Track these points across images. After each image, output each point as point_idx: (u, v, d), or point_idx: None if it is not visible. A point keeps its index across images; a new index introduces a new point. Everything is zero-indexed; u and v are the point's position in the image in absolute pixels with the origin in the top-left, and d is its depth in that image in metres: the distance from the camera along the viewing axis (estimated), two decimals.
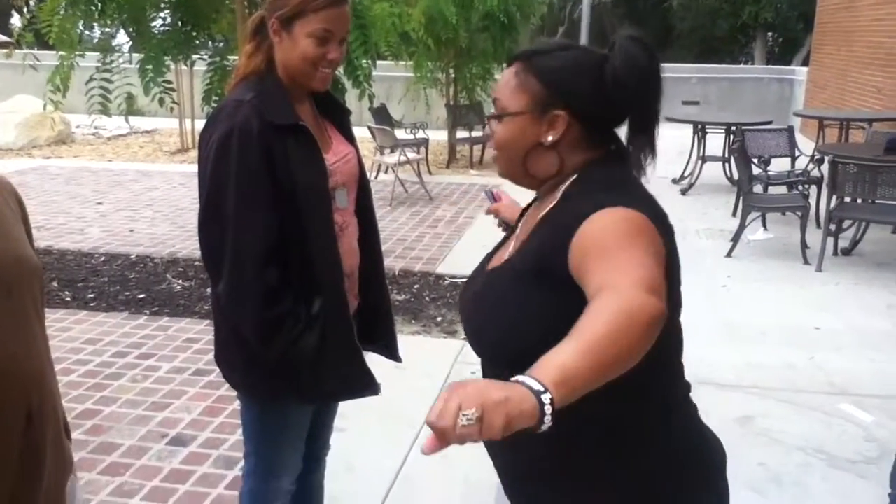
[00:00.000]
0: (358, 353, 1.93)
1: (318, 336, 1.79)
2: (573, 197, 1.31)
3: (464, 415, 0.86)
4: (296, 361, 1.79)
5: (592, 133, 1.33)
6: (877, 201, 5.98)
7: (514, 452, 1.37)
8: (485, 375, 1.40)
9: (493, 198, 1.94)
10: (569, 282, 1.18)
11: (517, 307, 1.28)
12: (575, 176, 1.34)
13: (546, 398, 0.90)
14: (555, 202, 1.34)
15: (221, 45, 5.58)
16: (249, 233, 1.70)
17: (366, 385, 1.95)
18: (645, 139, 1.32)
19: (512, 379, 0.92)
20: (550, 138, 1.31)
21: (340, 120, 1.99)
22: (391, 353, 2.16)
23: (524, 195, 1.52)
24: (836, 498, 2.95)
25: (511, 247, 1.41)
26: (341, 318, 1.87)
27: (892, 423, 3.48)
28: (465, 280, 1.56)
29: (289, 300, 1.76)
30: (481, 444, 1.07)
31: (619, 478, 1.28)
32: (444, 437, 0.87)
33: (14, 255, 1.21)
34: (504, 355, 1.32)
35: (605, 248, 1.14)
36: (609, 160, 1.35)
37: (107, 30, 6.05)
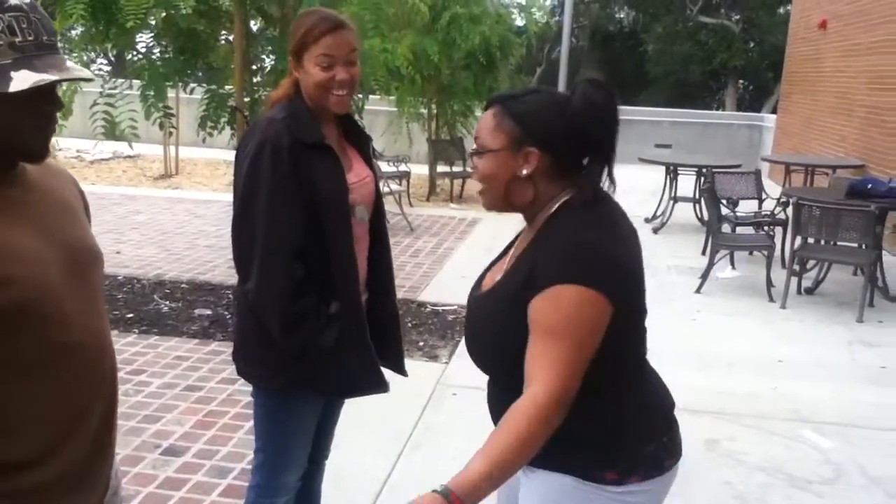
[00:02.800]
0: (370, 353, 2.10)
1: (335, 334, 1.97)
2: (551, 236, 1.53)
3: None
4: (313, 357, 1.97)
5: (562, 164, 1.55)
6: (839, 243, 6.28)
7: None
8: (488, 384, 1.70)
9: None
10: (526, 316, 1.49)
11: (501, 326, 1.56)
12: (553, 210, 1.55)
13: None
14: (534, 233, 1.58)
15: (217, 71, 5.77)
16: (277, 231, 1.90)
17: (377, 383, 2.11)
18: (601, 168, 1.55)
19: (435, 489, 1.32)
20: (525, 171, 1.54)
21: (362, 145, 2.20)
22: (398, 366, 2.30)
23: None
24: None
25: (503, 268, 1.64)
26: (356, 319, 2.05)
27: (849, 448, 3.71)
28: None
29: (311, 298, 1.95)
30: (464, 454, 1.44)
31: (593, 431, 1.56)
32: None
33: (84, 242, 1.37)
34: (496, 367, 1.64)
35: (547, 330, 1.45)
36: (580, 198, 1.55)
37: (89, 55, 6.22)
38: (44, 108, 1.22)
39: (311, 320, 1.94)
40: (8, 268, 1.18)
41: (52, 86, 1.20)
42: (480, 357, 1.66)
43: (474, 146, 1.60)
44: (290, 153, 1.90)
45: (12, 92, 1.13)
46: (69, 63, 1.23)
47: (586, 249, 1.49)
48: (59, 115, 1.29)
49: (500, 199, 1.60)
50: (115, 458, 1.52)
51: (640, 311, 1.59)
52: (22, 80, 1.14)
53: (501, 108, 1.56)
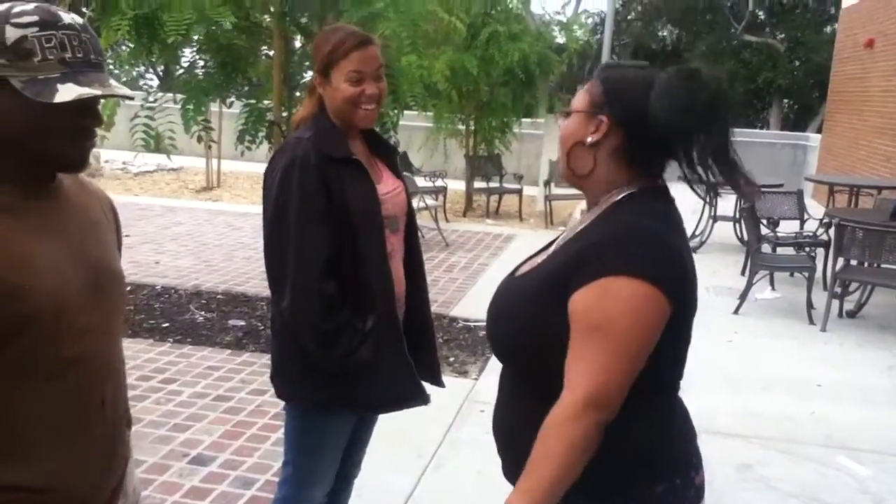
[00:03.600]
0: (409, 365, 2.09)
1: (373, 350, 1.97)
2: (607, 222, 1.38)
3: None
4: (351, 372, 1.97)
5: (635, 149, 1.40)
6: (882, 265, 6.12)
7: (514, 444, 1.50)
8: (502, 371, 1.55)
9: None
10: (565, 305, 1.33)
11: (523, 312, 1.42)
12: (617, 198, 1.41)
13: None
14: (590, 220, 1.43)
15: (257, 87, 5.87)
16: (309, 246, 1.91)
17: (417, 394, 2.11)
18: (696, 170, 1.38)
19: None
20: (590, 139, 1.41)
21: (390, 159, 2.21)
22: (435, 379, 2.28)
23: None
24: None
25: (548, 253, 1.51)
26: (394, 332, 2.05)
27: (888, 477, 3.59)
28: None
29: (346, 314, 1.95)
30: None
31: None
32: None
33: (107, 264, 1.40)
34: (508, 353, 1.49)
35: (588, 328, 1.29)
36: (654, 193, 1.42)
37: (138, 70, 6.39)
38: (84, 121, 1.26)
39: (347, 336, 1.95)
40: (25, 279, 1.21)
41: (92, 101, 1.25)
42: (498, 340, 1.50)
43: None
44: (318, 170, 1.92)
45: (56, 103, 1.18)
46: (112, 82, 1.28)
47: (648, 238, 1.33)
48: (100, 128, 1.34)
49: (565, 165, 1.48)
50: (131, 475, 1.53)
51: (689, 329, 1.41)
52: (67, 92, 1.19)
53: (600, 72, 1.47)
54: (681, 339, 1.40)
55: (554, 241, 1.57)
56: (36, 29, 1.20)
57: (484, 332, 5.21)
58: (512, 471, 1.49)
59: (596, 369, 1.27)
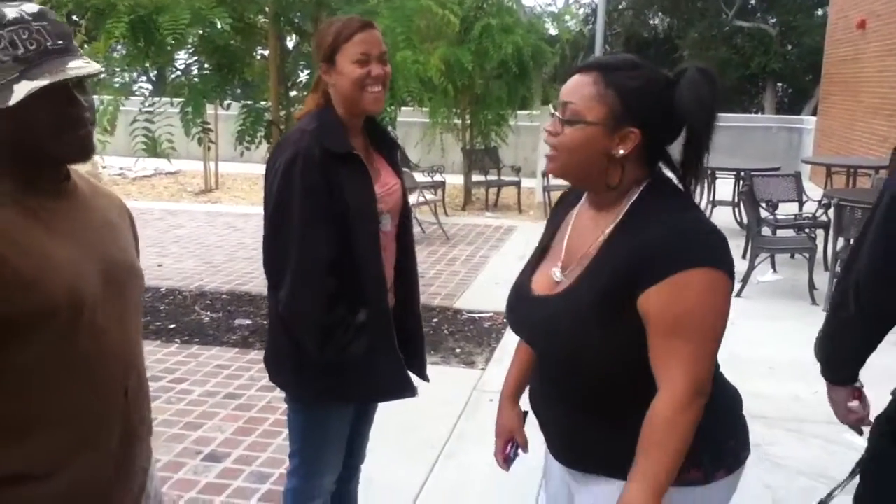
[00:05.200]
0: (399, 359, 2.12)
1: (365, 343, 1.99)
2: (648, 222, 1.42)
3: None
4: (344, 366, 1.99)
5: (650, 150, 1.47)
6: None
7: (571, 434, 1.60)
8: (548, 379, 1.62)
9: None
10: (633, 308, 1.40)
11: (587, 323, 1.43)
12: (639, 192, 1.47)
13: None
14: (619, 218, 1.47)
15: (253, 87, 5.89)
16: (313, 244, 1.92)
17: (405, 387, 2.14)
18: (695, 159, 1.47)
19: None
20: (622, 152, 1.43)
21: (390, 153, 2.23)
22: (420, 371, 2.32)
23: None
24: None
25: (561, 261, 1.55)
26: (385, 326, 2.07)
27: None
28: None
29: (342, 309, 1.97)
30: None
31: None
32: None
33: (127, 263, 1.42)
34: (575, 364, 1.51)
35: (670, 326, 1.37)
36: (664, 180, 1.49)
37: (131, 76, 6.41)
38: (64, 110, 1.23)
39: (342, 331, 1.97)
40: (38, 273, 1.21)
41: (66, 88, 1.21)
42: (560, 355, 1.52)
43: (557, 112, 1.47)
44: (320, 163, 1.93)
45: (12, 105, 1.15)
46: (74, 62, 1.22)
47: (699, 229, 1.42)
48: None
49: (574, 171, 1.49)
50: (153, 478, 1.54)
51: None
52: (19, 91, 1.16)
53: (604, 77, 1.43)
54: None
55: (549, 238, 1.64)
56: None
57: (489, 323, 5.28)
58: (572, 461, 1.61)
59: (692, 360, 1.37)
